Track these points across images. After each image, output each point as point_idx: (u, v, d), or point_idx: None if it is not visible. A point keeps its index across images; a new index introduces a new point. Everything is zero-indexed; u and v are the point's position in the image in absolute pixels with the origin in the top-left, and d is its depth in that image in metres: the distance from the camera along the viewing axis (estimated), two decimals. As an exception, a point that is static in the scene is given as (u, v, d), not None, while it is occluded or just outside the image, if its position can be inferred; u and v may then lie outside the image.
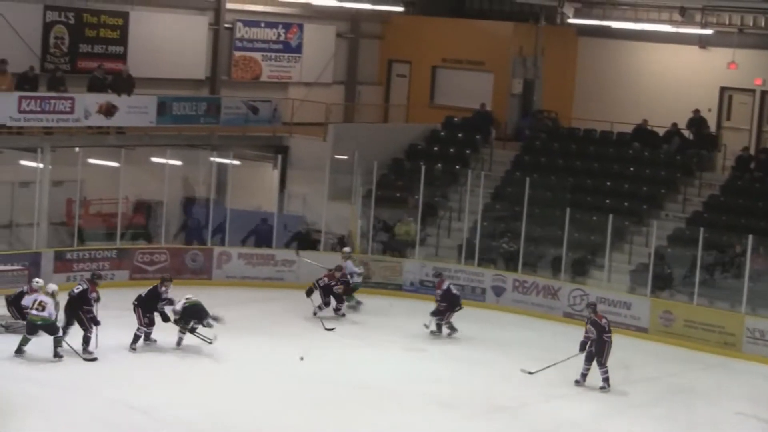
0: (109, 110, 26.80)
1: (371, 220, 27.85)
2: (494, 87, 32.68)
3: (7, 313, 21.07)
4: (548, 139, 30.83)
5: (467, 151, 30.45)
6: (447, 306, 23.26)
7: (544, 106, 32.88)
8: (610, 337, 20.33)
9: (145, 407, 17.74)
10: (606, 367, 20.31)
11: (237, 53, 31.54)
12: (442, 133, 31.36)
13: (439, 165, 29.56)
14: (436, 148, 30.76)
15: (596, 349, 20.28)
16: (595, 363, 20.32)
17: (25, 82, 26.16)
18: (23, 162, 25.87)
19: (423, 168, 27.58)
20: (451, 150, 30.57)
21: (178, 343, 21.11)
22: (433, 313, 23.29)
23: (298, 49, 32.65)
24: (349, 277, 24.55)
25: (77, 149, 26.21)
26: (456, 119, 31.62)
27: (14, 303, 20.70)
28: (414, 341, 22.88)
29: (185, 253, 26.68)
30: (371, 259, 27.21)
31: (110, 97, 26.90)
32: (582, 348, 20.37)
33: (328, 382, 19.80)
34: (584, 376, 20.45)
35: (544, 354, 21.25)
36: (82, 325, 20.39)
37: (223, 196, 27.99)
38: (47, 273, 24.54)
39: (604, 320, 20.49)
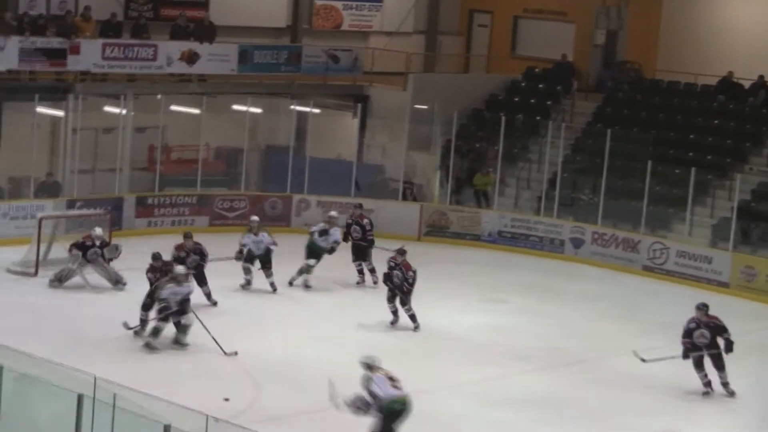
0: (191, 58, 27.02)
1: (450, 170, 27.82)
2: (576, 37, 32.27)
3: (68, 256, 21.00)
4: (631, 91, 30.44)
5: (548, 103, 30.20)
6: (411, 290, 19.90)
7: (628, 57, 32.38)
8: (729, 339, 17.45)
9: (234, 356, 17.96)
10: (725, 372, 17.58)
11: (318, 2, 31.50)
12: (523, 84, 31.11)
13: (520, 116, 29.35)
14: (516, 99, 30.53)
15: (713, 359, 17.48)
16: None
17: (108, 29, 26.44)
18: (107, 108, 26.17)
19: (503, 119, 27.45)
20: (532, 101, 30.34)
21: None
22: (403, 302, 19.87)
23: (379, -3, 32.58)
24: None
25: (159, 96, 26.52)
26: (537, 70, 31.32)
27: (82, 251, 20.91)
28: (492, 292, 22.85)
29: (265, 201, 26.88)
30: (449, 209, 27.22)
31: (192, 45, 27.10)
32: (685, 356, 17.62)
33: (406, 333, 19.88)
34: (708, 383, 17.64)
35: (625, 312, 20.96)
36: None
37: (302, 144, 28.12)
38: (129, 218, 25.13)
39: (717, 319, 17.65)
